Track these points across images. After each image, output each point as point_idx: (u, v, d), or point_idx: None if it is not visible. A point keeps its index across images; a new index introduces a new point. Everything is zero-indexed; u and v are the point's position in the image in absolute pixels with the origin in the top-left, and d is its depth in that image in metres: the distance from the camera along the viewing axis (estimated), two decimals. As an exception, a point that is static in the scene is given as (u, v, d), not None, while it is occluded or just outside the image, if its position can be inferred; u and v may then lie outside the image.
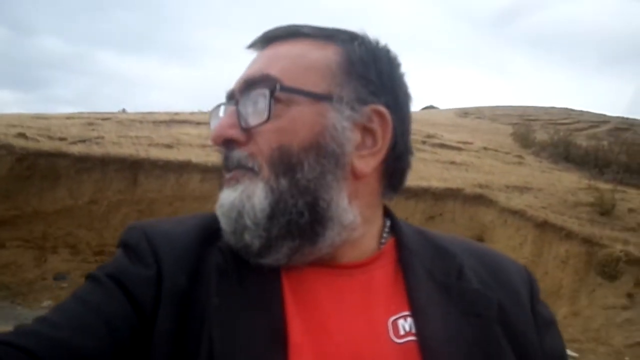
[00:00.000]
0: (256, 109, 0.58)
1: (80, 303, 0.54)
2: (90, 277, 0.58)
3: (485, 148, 13.67)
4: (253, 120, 0.58)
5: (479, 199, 9.28)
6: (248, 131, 0.58)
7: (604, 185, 9.84)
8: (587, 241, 8.08)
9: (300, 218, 0.56)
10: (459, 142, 13.61)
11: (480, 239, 9.14)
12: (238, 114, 0.58)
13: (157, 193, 9.18)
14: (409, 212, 9.50)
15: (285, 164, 0.56)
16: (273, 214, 0.56)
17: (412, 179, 9.87)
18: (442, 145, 12.81)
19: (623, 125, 20.16)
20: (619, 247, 7.80)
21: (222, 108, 0.64)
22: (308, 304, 0.57)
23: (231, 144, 0.58)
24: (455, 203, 9.32)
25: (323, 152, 0.57)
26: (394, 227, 0.65)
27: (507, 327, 0.59)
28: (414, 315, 0.57)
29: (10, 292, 8.67)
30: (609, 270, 7.68)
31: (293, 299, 0.57)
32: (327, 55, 0.61)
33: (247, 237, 0.56)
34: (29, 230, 9.15)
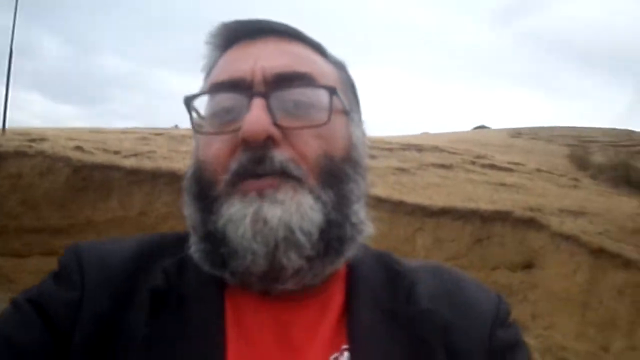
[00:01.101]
0: (299, 109, 0.53)
1: None
2: (12, 302, 0.54)
3: (538, 170, 13.23)
4: (298, 120, 0.52)
5: (530, 223, 8.93)
6: (284, 131, 0.52)
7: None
8: (647, 271, 7.60)
9: (344, 234, 0.53)
10: (510, 163, 13.23)
11: (531, 265, 8.78)
12: (271, 110, 0.51)
13: (203, 207, 9.36)
14: (455, 234, 9.25)
15: (331, 173, 0.53)
16: (325, 229, 0.51)
17: (460, 200, 9.68)
18: (492, 166, 12.49)
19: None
20: (682, 278, 7.30)
21: (231, 98, 0.54)
22: (251, 339, 0.52)
23: (269, 143, 0.51)
24: (504, 226, 9.01)
25: (357, 165, 0.56)
26: None
27: (452, 350, 0.54)
28: (351, 349, 0.52)
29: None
30: (671, 302, 7.18)
31: (236, 334, 0.52)
32: (334, 70, 0.59)
33: (290, 257, 0.50)
34: (82, 238, 9.48)
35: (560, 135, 21.42)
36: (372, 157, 12.31)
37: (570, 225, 8.72)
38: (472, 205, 9.31)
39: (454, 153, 13.23)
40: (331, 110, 0.53)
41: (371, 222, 0.58)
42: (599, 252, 8.10)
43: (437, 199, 9.58)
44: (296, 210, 0.50)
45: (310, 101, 0.53)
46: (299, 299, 0.54)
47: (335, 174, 0.53)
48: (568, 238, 8.46)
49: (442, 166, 11.94)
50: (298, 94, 0.53)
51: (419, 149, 13.13)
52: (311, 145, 0.52)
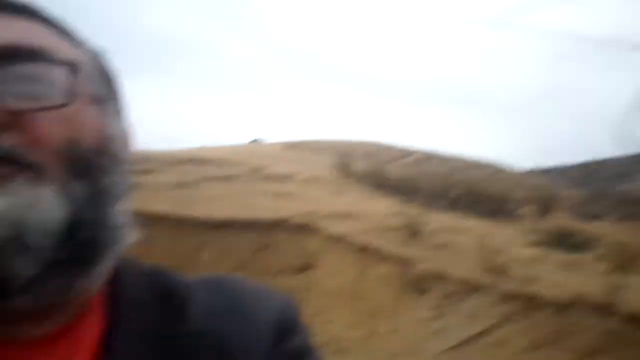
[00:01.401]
0: (30, 88, 0.43)
1: None
2: None
3: (310, 178, 14.34)
4: (29, 102, 0.42)
5: (305, 228, 9.64)
6: (12, 116, 0.41)
7: (413, 210, 10.94)
8: (401, 261, 8.86)
9: (97, 238, 0.43)
10: (285, 173, 14.08)
11: (308, 267, 9.47)
12: None
13: None
14: (238, 245, 9.47)
15: (80, 163, 0.43)
16: (71, 229, 0.41)
17: (240, 212, 9.95)
18: (270, 177, 13.12)
19: (424, 157, 22.83)
20: (426, 265, 8.69)
21: None
22: None
23: None
24: (282, 233, 9.55)
25: (115, 160, 0.47)
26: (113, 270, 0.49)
27: None
28: None
29: None
30: (420, 286, 8.50)
31: None
32: (84, 55, 0.50)
33: (22, 262, 0.39)
34: None
35: (327, 148, 23.54)
36: (150, 171, 11.84)
37: (339, 228, 9.65)
38: (251, 216, 9.67)
39: (233, 165, 13.54)
40: (72, 90, 0.44)
41: (135, 231, 0.49)
42: (364, 250, 9.14)
43: (219, 212, 9.70)
44: (31, 204, 0.40)
45: (45, 80, 0.44)
46: (44, 341, 0.44)
47: (86, 165, 0.44)
48: (338, 239, 9.35)
49: (223, 178, 12.13)
50: (29, 70, 0.43)
51: (200, 162, 13.11)
52: (49, 130, 0.43)
